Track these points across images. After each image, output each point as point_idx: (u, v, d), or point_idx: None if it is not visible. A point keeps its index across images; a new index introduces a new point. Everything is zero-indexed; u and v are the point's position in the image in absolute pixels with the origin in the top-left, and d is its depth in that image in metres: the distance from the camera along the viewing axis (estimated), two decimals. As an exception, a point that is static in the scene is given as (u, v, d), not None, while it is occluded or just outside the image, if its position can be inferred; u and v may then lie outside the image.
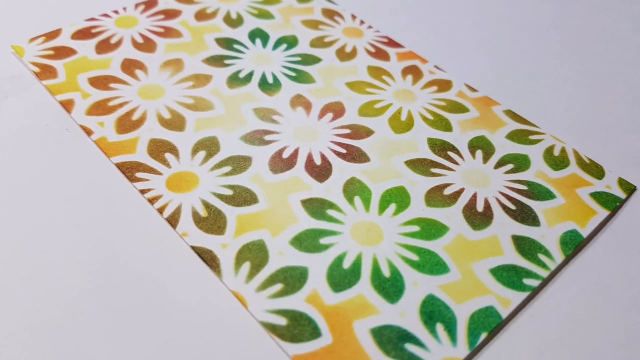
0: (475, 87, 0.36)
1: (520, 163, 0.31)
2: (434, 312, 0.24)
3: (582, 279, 0.27)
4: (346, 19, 0.41)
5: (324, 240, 0.27)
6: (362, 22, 0.41)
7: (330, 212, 0.28)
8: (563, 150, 0.32)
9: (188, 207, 0.27)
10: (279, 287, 0.25)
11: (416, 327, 0.24)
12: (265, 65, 0.36)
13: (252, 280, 0.25)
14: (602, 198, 0.30)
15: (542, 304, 0.25)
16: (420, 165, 0.30)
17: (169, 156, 0.30)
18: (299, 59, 0.37)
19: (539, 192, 0.30)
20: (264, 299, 0.24)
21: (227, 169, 0.29)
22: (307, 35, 0.39)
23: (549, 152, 0.32)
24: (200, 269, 0.25)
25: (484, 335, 0.24)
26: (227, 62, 0.36)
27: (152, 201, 0.28)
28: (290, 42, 0.38)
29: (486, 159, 0.31)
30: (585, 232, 0.28)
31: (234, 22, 0.39)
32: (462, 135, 0.33)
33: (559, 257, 0.27)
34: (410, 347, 0.23)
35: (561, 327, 0.25)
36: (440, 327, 0.24)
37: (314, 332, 0.23)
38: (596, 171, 0.31)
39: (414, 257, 0.26)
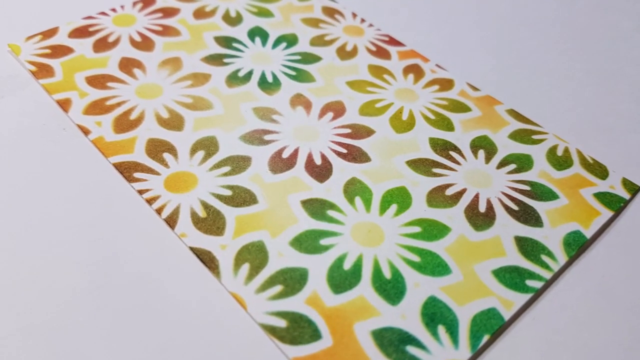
0: (477, 86, 0.36)
1: (523, 163, 0.31)
2: (436, 314, 0.24)
3: (585, 280, 0.26)
4: (346, 17, 0.40)
5: (324, 241, 0.26)
6: (363, 20, 0.40)
7: (331, 213, 0.27)
8: (566, 150, 0.32)
9: (186, 208, 0.27)
10: (278, 288, 0.24)
11: (417, 328, 0.23)
12: (265, 63, 0.36)
13: (252, 281, 0.25)
14: (605, 198, 0.29)
15: (544, 306, 0.25)
16: (421, 165, 0.30)
17: (167, 156, 0.29)
18: (298, 57, 0.36)
19: (542, 192, 0.29)
20: (263, 301, 0.24)
21: (226, 168, 0.29)
22: (306, 34, 0.38)
23: (551, 151, 0.32)
24: (198, 270, 0.25)
25: (486, 337, 0.23)
26: (226, 60, 0.36)
27: (150, 201, 0.27)
28: (290, 40, 0.38)
29: (488, 158, 0.31)
30: (588, 233, 0.28)
31: (233, 20, 0.39)
32: (464, 134, 0.32)
33: (562, 258, 0.26)
34: (412, 349, 0.23)
35: (564, 329, 0.24)
36: (441, 329, 0.24)
37: (314, 334, 0.23)
38: (599, 171, 0.31)
39: (415, 258, 0.26)
